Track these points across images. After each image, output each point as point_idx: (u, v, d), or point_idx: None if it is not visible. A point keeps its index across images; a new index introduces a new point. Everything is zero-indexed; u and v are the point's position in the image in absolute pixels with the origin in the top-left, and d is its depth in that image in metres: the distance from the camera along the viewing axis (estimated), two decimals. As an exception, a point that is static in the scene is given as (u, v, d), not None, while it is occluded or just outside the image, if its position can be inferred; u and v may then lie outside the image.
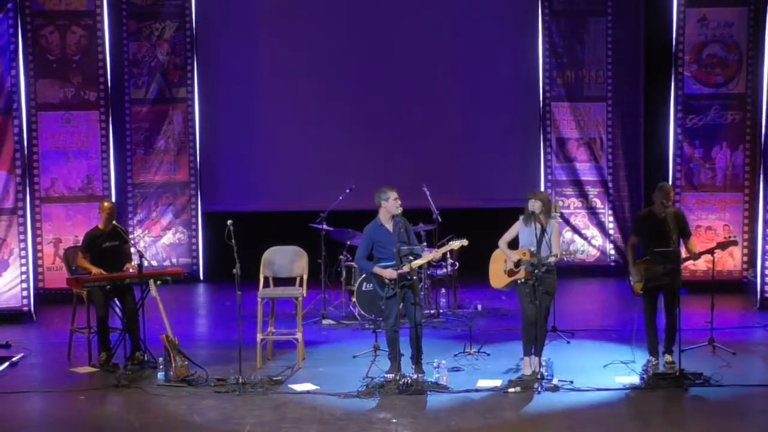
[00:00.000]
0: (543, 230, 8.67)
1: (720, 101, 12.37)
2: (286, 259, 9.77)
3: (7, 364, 9.56)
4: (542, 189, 13.37)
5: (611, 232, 13.77)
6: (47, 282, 12.48)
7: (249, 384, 8.62)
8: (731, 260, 12.44)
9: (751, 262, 12.34)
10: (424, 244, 10.54)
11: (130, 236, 12.19)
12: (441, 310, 11.39)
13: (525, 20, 13.72)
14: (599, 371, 8.98)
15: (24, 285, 11.66)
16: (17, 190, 11.69)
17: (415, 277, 8.92)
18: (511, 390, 8.45)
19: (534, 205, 8.74)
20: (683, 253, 9.25)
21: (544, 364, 8.80)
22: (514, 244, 8.91)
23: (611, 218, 13.77)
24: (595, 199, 13.78)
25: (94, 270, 9.48)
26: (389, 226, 8.91)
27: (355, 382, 8.57)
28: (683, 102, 12.44)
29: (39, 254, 12.43)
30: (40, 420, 8.30)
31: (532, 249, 8.67)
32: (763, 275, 11.63)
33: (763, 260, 11.65)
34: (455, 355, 9.46)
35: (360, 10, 13.82)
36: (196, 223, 13.69)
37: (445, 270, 11.48)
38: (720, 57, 12.34)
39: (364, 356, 9.39)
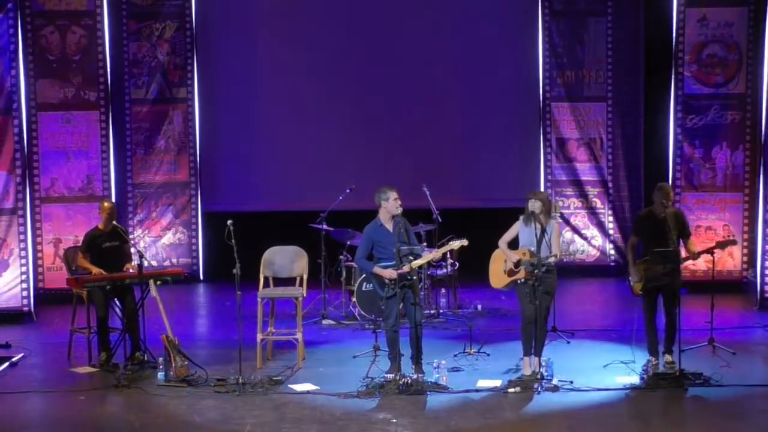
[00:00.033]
0: (543, 230, 8.67)
1: (720, 101, 12.37)
2: (286, 259, 9.77)
3: (7, 364, 9.56)
4: (542, 189, 13.37)
5: (611, 232, 13.77)
6: (47, 282, 12.48)
7: (249, 384, 8.62)
8: (731, 260, 12.44)
9: (751, 262, 12.34)
10: (424, 244, 10.54)
11: (130, 236, 12.20)
12: (441, 310, 11.39)
13: (525, 20, 13.71)
14: (599, 371, 8.98)
15: (24, 285, 11.66)
16: (17, 190, 11.69)
17: (415, 277, 8.92)
18: (511, 390, 8.45)
19: (534, 205, 8.74)
20: (683, 253, 9.24)
21: (544, 364, 8.79)
22: (514, 244, 8.91)
23: (611, 218, 13.77)
24: (595, 199, 13.78)
25: (94, 270, 9.48)
26: (389, 226, 8.91)
27: (355, 382, 8.57)
28: (683, 102, 12.44)
29: (39, 254, 12.43)
30: (40, 420, 8.30)
31: (532, 249, 8.67)
32: (763, 275, 11.63)
33: (763, 260, 11.65)
34: (455, 355, 9.46)
35: (360, 10, 13.81)
36: (196, 223, 13.69)
37: (445, 270, 11.48)
38: (720, 57, 12.34)
39: (364, 356, 9.39)
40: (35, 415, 8.40)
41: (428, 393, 8.42)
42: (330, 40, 13.74)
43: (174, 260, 13.62)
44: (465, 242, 8.91)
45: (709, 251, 9.29)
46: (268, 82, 13.79)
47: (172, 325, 9.17)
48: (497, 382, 8.65)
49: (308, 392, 8.53)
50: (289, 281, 9.92)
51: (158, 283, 9.41)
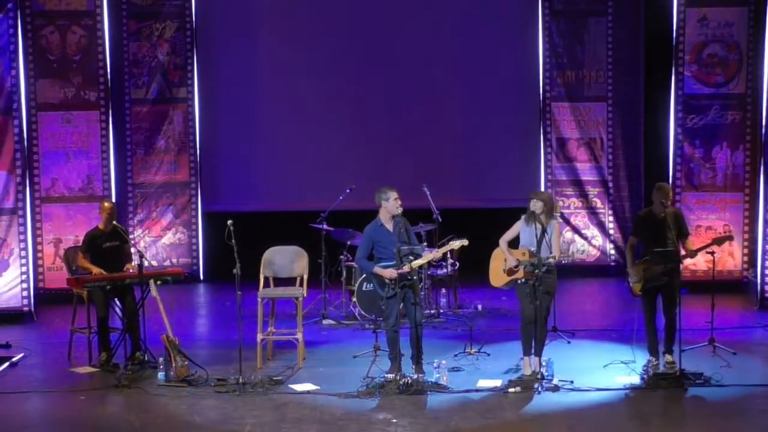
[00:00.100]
0: (543, 230, 8.67)
1: (720, 101, 12.37)
2: (286, 259, 9.77)
3: (7, 364, 9.55)
4: (542, 189, 13.37)
5: (611, 232, 13.77)
6: (47, 282, 12.49)
7: (249, 384, 8.62)
8: (731, 260, 12.44)
9: (751, 262, 12.34)
10: (425, 244, 10.54)
11: (131, 236, 12.20)
12: (441, 310, 11.39)
13: (525, 20, 13.72)
14: (599, 371, 8.98)
15: (24, 285, 11.66)
16: (17, 190, 11.69)
17: (415, 277, 8.92)
18: (511, 390, 8.45)
19: (535, 206, 8.74)
20: (682, 253, 9.24)
21: (544, 364, 8.79)
22: (515, 244, 8.91)
23: (611, 218, 13.77)
24: (595, 199, 13.78)
25: (95, 270, 9.48)
26: (389, 226, 8.91)
27: (356, 382, 8.56)
28: (683, 102, 12.44)
29: (39, 254, 12.44)
30: (40, 420, 8.30)
31: (533, 249, 8.67)
32: (763, 275, 11.63)
33: (764, 260, 11.65)
34: (455, 355, 9.46)
35: (360, 10, 13.81)
36: (196, 223, 13.68)
37: (445, 270, 11.48)
38: (720, 57, 12.34)
39: (365, 356, 9.39)
40: (35, 415, 8.40)
41: (428, 393, 8.42)
42: (330, 40, 13.73)
43: (174, 260, 13.62)
44: (465, 242, 8.91)
45: (706, 248, 9.27)
46: (268, 82, 13.79)
47: (172, 325, 9.17)
48: (497, 382, 8.65)
49: (308, 392, 8.53)
50: (290, 281, 9.92)
51: (158, 283, 9.41)
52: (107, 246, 9.67)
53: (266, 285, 9.72)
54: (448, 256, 11.01)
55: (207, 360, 9.37)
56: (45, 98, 12.49)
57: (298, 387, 8.66)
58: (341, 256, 11.40)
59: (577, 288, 12.96)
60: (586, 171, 13.74)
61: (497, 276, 9.01)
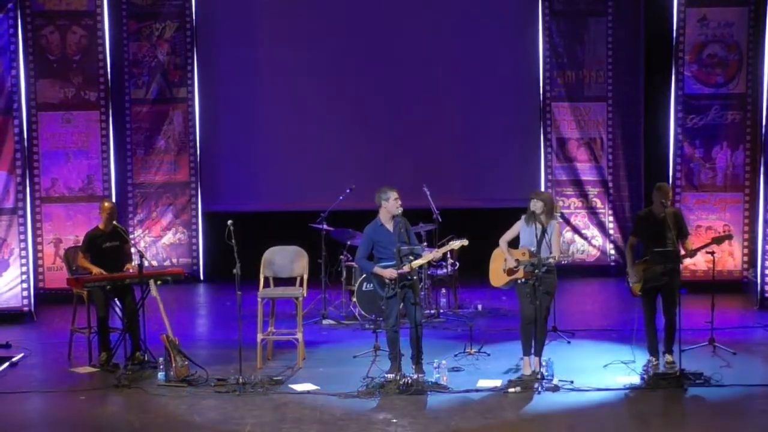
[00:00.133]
0: (543, 231, 8.67)
1: (720, 101, 12.37)
2: (286, 259, 9.77)
3: (7, 364, 9.55)
4: (542, 189, 13.37)
5: (611, 232, 13.76)
6: (47, 282, 12.48)
7: (249, 384, 8.62)
8: (731, 260, 12.44)
9: (751, 262, 12.34)
10: (425, 244, 10.54)
11: (131, 236, 12.20)
12: (441, 310, 11.39)
13: (525, 20, 13.72)
14: (599, 371, 8.98)
15: (24, 285, 11.66)
16: (17, 190, 11.69)
17: (415, 277, 8.92)
18: (511, 390, 8.45)
19: (536, 206, 8.74)
20: (682, 253, 9.23)
21: (544, 364, 8.79)
22: (515, 244, 8.91)
23: (611, 218, 13.77)
24: (595, 199, 13.78)
25: (95, 270, 9.48)
26: (389, 226, 8.91)
27: (356, 382, 8.56)
28: (683, 102, 12.44)
29: (39, 254, 12.44)
30: (40, 420, 8.30)
31: (533, 249, 8.67)
32: (763, 275, 11.64)
33: (764, 260, 11.65)
34: (455, 355, 9.46)
35: (360, 10, 13.81)
36: (197, 223, 13.68)
37: (445, 270, 11.48)
38: (720, 57, 12.34)
39: (365, 356, 9.39)
40: (35, 415, 8.40)
41: (428, 393, 8.42)
42: (330, 40, 13.73)
43: (174, 260, 13.62)
44: (465, 242, 8.91)
45: (705, 247, 9.27)
46: (268, 82, 13.79)
47: (172, 325, 9.17)
48: (497, 382, 8.65)
49: (308, 392, 8.53)
50: (290, 281, 9.92)
51: (158, 283, 9.41)
52: (107, 246, 9.67)
53: (266, 285, 9.72)
54: (448, 256, 11.01)
55: (207, 360, 9.37)
56: (45, 98, 12.49)
57: (298, 387, 8.66)
58: (341, 256, 11.40)
59: (577, 288, 12.96)
60: (586, 171, 13.74)
61: (497, 276, 9.01)
